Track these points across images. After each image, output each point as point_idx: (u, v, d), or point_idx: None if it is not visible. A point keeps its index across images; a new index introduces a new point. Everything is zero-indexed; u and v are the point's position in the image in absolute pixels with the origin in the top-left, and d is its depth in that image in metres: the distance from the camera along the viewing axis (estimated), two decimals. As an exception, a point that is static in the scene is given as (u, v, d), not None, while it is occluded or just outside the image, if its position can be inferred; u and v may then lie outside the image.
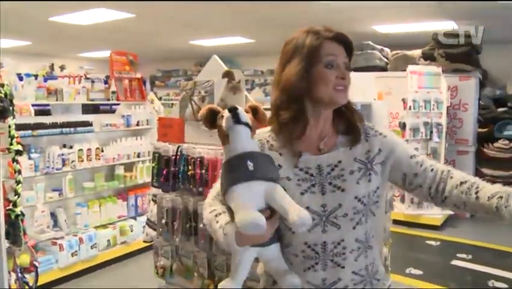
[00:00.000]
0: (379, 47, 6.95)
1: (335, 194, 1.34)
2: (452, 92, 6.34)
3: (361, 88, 3.88)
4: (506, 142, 6.64)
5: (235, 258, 1.33)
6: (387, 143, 1.42)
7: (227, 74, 2.47)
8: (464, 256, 4.64)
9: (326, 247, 1.34)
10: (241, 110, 1.28)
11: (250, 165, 1.23)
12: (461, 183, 1.36)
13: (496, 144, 6.62)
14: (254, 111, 1.33)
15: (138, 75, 5.21)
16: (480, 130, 6.72)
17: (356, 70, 6.04)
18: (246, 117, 1.29)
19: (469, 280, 4.12)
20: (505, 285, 4.08)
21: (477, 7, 5.20)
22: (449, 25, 6.46)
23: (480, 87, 6.79)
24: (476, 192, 1.32)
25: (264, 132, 1.43)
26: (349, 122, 1.41)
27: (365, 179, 1.36)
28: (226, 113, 1.29)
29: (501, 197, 1.26)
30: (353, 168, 1.37)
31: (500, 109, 7.01)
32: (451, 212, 5.88)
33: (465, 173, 1.40)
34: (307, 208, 1.28)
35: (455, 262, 4.54)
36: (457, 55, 6.24)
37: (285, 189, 1.27)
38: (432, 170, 1.41)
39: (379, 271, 1.47)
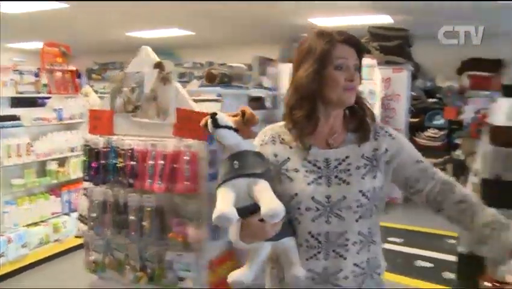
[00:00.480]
0: (316, 40, 7.07)
1: (340, 186, 1.40)
2: (386, 83, 6.57)
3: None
4: (436, 131, 6.99)
5: (250, 250, 1.40)
6: (394, 144, 1.49)
7: (159, 65, 2.45)
8: (395, 239, 4.85)
9: (329, 238, 1.40)
10: (220, 115, 1.34)
11: (236, 164, 1.31)
12: (460, 201, 1.45)
13: (426, 133, 6.96)
14: (243, 113, 1.38)
15: (71, 67, 5.05)
16: (412, 120, 7.03)
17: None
18: (226, 120, 1.34)
19: (398, 262, 4.32)
20: (430, 264, 4.34)
21: (412, 2, 5.39)
22: (385, 19, 6.68)
23: (413, 78, 7.09)
24: (472, 216, 1.42)
25: (277, 126, 1.52)
26: (360, 120, 1.48)
27: (370, 175, 1.42)
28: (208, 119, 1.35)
29: (494, 229, 1.37)
30: (359, 164, 1.43)
31: (431, 100, 7.37)
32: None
33: (466, 190, 1.51)
34: (312, 198, 1.38)
35: (386, 246, 4.67)
36: (390, 48, 6.48)
37: (291, 180, 1.40)
38: (433, 178, 1.48)
39: (381, 266, 1.52)
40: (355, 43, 1.43)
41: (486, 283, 2.97)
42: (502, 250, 1.38)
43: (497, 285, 2.86)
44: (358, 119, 1.48)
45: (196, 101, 2.56)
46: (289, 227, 1.40)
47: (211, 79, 3.03)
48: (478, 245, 3.65)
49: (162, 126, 2.39)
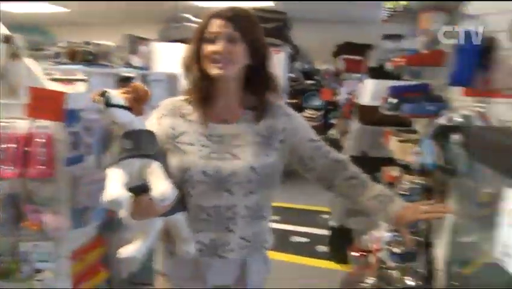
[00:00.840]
0: (196, 20, 6.97)
1: (232, 162, 1.44)
2: (265, 65, 6.66)
3: (170, 59, 3.87)
4: (313, 111, 7.30)
5: (141, 225, 1.38)
6: (291, 124, 1.54)
7: (7, 40, 2.22)
8: (273, 217, 4.92)
9: (218, 211, 1.46)
10: (111, 92, 1.30)
11: (129, 143, 1.29)
12: (351, 178, 1.55)
13: (304, 114, 7.22)
14: (135, 90, 1.37)
15: None
16: (290, 101, 7.23)
17: (173, 41, 5.96)
18: (118, 98, 1.31)
19: (275, 239, 4.36)
20: (305, 239, 4.55)
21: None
22: (266, 3, 6.76)
23: (292, 60, 7.28)
24: (362, 191, 1.53)
25: (178, 100, 1.55)
26: (257, 98, 1.51)
27: (263, 152, 1.47)
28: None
29: (382, 201, 1.48)
30: (253, 141, 1.47)
31: (308, 82, 7.67)
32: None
33: (358, 169, 1.58)
34: (203, 172, 1.42)
35: (264, 224, 4.82)
36: (269, 30, 6.56)
37: (185, 153, 1.43)
38: (326, 157, 1.56)
39: (268, 241, 1.62)
40: (229, 15, 1.43)
41: (353, 253, 3.18)
42: (390, 220, 1.49)
43: (363, 253, 3.08)
44: (256, 96, 1.51)
45: (60, 80, 2.37)
46: (181, 202, 1.41)
47: (72, 57, 2.83)
48: (347, 218, 3.92)
49: (14, 106, 2.16)
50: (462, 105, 1.91)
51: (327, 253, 4.12)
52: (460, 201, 1.82)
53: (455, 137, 1.67)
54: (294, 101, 7.28)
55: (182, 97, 1.55)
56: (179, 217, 1.43)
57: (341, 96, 5.95)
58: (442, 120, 1.79)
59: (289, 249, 4.28)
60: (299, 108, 7.32)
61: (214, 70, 1.42)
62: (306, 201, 5.50)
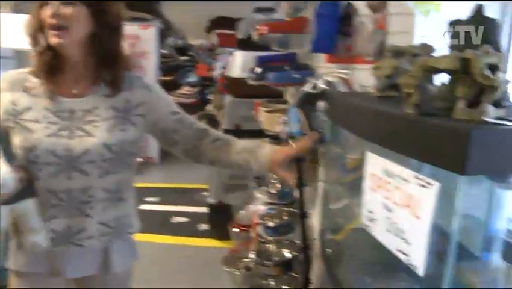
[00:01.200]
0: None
1: (83, 139, 1.32)
2: (134, 41, 6.32)
3: (20, 33, 3.46)
4: (189, 88, 7.15)
5: None
6: (150, 97, 1.44)
7: None
8: (152, 199, 4.80)
9: (71, 195, 1.33)
10: None
11: None
12: (215, 140, 1.49)
13: (180, 91, 7.06)
14: None
15: None
16: (165, 78, 6.99)
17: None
18: None
19: (155, 221, 4.27)
20: (185, 219, 4.44)
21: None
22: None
23: (164, 36, 7.02)
24: (229, 148, 1.47)
25: (21, 72, 1.39)
26: (112, 70, 1.38)
27: (119, 128, 1.36)
28: None
29: (249, 152, 1.44)
30: (107, 116, 1.36)
31: (183, 58, 7.49)
32: (139, 159, 6.04)
33: (221, 132, 1.56)
34: (51, 152, 1.29)
35: (143, 207, 4.58)
36: (136, 4, 6.21)
37: (30, 131, 1.29)
38: (190, 128, 1.49)
39: (134, 225, 1.50)
40: None
41: (234, 229, 3.14)
42: (263, 165, 1.44)
43: (243, 228, 3.06)
44: (110, 68, 1.39)
45: None
46: (28, 187, 1.28)
47: None
48: (225, 194, 3.88)
49: None
50: (326, 72, 1.91)
51: (208, 231, 4.07)
52: (330, 169, 1.83)
53: (320, 104, 1.65)
54: (168, 78, 7.04)
55: (26, 70, 1.39)
56: (27, 204, 1.29)
57: (216, 71, 5.88)
58: (307, 88, 1.77)
59: (169, 230, 4.16)
60: (175, 85, 7.11)
61: (52, 39, 1.28)
62: (184, 179, 5.39)
